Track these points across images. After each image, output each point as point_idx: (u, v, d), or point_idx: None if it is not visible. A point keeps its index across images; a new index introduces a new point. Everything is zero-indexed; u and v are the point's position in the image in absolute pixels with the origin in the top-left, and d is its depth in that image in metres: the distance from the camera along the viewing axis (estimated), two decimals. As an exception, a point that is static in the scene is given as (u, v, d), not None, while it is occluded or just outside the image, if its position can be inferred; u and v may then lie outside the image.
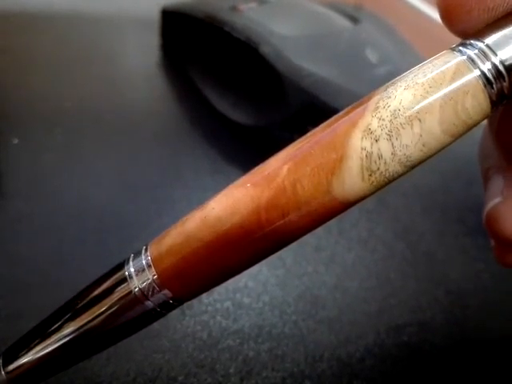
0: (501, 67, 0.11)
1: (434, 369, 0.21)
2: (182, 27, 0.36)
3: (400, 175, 0.11)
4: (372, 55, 0.30)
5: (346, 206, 0.12)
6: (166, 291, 0.13)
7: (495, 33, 0.11)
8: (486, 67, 0.11)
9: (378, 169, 0.11)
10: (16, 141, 0.27)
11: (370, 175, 0.11)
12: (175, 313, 0.21)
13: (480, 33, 0.11)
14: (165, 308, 0.14)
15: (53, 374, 0.15)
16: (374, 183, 0.11)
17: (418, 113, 0.11)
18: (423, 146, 0.11)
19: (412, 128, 0.11)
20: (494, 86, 0.11)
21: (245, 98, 0.31)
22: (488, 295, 0.25)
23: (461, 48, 0.11)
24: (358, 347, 0.21)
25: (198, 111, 0.33)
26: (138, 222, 0.24)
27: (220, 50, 0.33)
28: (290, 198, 0.12)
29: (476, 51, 0.11)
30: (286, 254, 0.24)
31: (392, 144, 0.11)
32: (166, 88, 0.35)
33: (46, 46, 0.35)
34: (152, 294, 0.13)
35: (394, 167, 0.11)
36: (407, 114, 0.11)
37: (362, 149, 0.11)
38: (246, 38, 0.29)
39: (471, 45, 0.11)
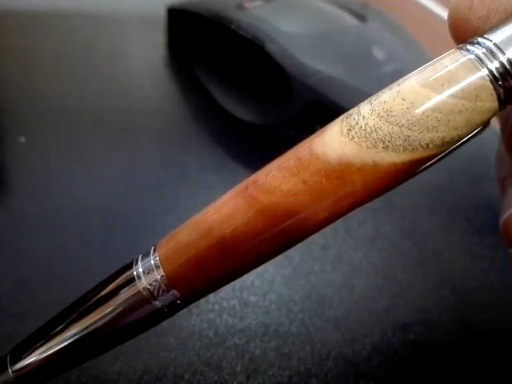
0: (508, 66, 0.11)
1: (441, 367, 0.21)
2: (187, 25, 0.36)
3: (387, 134, 0.11)
4: (379, 53, 0.30)
5: (327, 163, 0.12)
6: (173, 291, 0.13)
7: (503, 31, 0.11)
8: (494, 66, 0.11)
9: (357, 123, 0.11)
10: (23, 139, 0.27)
11: (349, 130, 0.11)
12: (182, 311, 0.21)
13: (487, 31, 0.11)
14: (172, 308, 0.14)
15: (60, 372, 0.15)
16: (355, 139, 0.11)
17: (399, 85, 0.12)
18: (403, 100, 0.11)
19: (391, 89, 0.11)
20: (502, 84, 0.11)
21: (251, 96, 0.31)
22: (494, 294, 0.25)
23: (468, 47, 0.11)
24: (365, 346, 0.21)
25: (204, 109, 0.33)
26: (144, 221, 0.25)
27: (226, 48, 0.33)
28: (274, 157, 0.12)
29: (484, 50, 0.11)
30: (293, 252, 0.24)
31: (371, 103, 0.12)
32: (172, 86, 0.35)
33: (51, 45, 0.36)
34: (160, 294, 0.13)
35: (374, 121, 0.11)
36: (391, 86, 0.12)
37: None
38: (252, 36, 0.29)
39: (479, 43, 0.11)
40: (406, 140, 0.11)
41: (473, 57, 0.11)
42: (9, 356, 0.15)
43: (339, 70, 0.28)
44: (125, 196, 0.26)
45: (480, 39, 0.11)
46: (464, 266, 0.26)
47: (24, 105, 0.30)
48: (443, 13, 0.42)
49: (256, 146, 0.30)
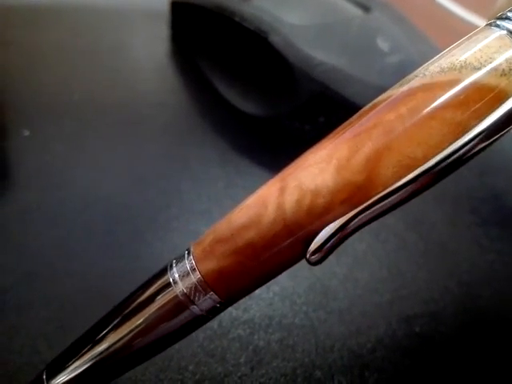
0: None
1: (446, 360, 0.21)
2: (191, 18, 0.35)
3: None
4: (383, 44, 0.29)
5: None
6: (211, 294, 0.13)
7: None
8: None
9: None
10: (27, 133, 0.27)
11: None
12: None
13: None
14: (211, 312, 0.13)
15: None
16: None
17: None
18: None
19: None
20: None
21: (254, 88, 0.31)
22: (500, 286, 0.25)
23: (498, 22, 0.11)
24: (369, 338, 0.21)
25: (208, 102, 0.32)
26: (147, 213, 0.25)
27: (229, 40, 0.33)
28: None
29: None
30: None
31: None
32: (176, 79, 0.35)
33: (55, 38, 0.36)
34: (198, 298, 0.13)
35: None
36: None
37: None
38: (255, 27, 0.29)
39: (508, 18, 0.11)
40: (416, 75, 0.11)
41: (504, 32, 0.11)
42: (45, 371, 0.14)
43: (343, 61, 0.28)
44: (128, 189, 0.26)
45: (510, 13, 0.11)
46: (470, 258, 0.26)
47: (28, 98, 0.30)
48: (449, 4, 0.42)
49: (259, 139, 0.30)
